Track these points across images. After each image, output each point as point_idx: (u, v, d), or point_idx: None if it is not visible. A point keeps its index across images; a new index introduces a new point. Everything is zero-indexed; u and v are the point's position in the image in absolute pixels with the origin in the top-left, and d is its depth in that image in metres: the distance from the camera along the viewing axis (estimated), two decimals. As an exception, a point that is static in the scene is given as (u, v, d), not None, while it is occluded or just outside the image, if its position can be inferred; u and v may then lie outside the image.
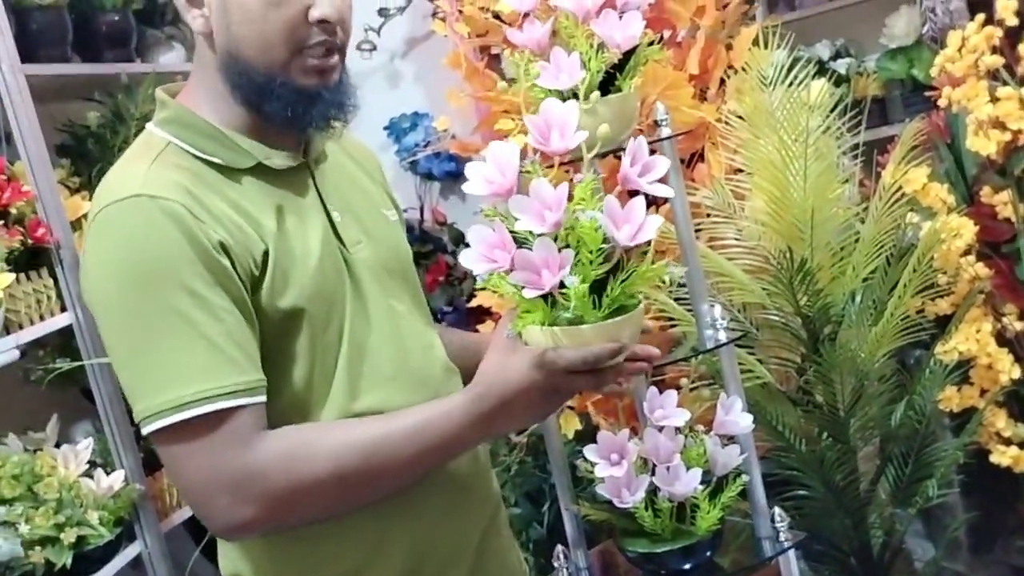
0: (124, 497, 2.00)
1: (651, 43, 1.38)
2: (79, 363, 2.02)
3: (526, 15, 1.37)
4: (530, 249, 1.03)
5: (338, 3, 1.13)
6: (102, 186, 1.10)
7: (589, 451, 1.37)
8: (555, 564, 1.51)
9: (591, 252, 1.05)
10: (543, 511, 2.45)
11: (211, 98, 1.15)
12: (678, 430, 1.40)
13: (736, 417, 1.44)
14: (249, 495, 1.00)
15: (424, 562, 1.19)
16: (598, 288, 1.06)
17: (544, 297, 1.05)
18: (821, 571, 2.07)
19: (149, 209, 1.02)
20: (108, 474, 2.01)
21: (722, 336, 1.49)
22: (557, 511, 2.38)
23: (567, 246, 1.05)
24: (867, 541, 2.02)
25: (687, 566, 1.38)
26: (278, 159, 1.16)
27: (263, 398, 1.04)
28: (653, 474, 1.37)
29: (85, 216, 2.15)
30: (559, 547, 1.53)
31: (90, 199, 2.17)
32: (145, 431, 1.01)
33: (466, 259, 1.05)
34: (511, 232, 1.05)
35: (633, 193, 1.10)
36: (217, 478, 1.00)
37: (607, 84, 1.39)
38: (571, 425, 2.32)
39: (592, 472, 1.36)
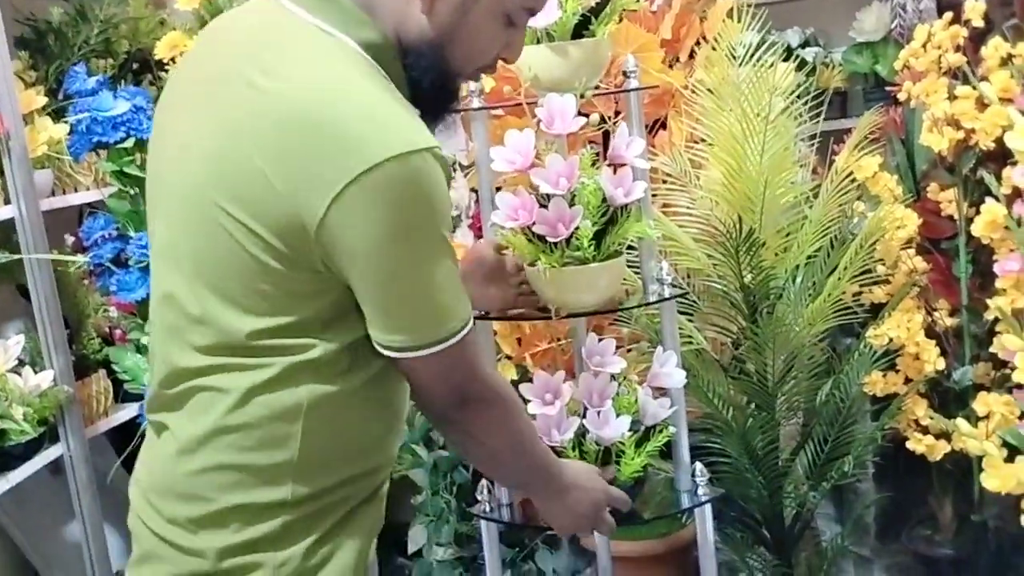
0: (51, 397, 1.98)
1: (627, -6, 1.40)
2: (17, 256, 1.99)
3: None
4: (547, 208, 1.37)
5: (522, 48, 1.17)
6: (369, 120, 0.98)
7: (525, 389, 1.40)
8: (478, 498, 1.54)
9: (594, 208, 1.38)
10: (470, 456, 2.48)
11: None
12: (613, 377, 1.44)
13: (670, 371, 1.48)
14: (488, 389, 1.13)
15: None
16: (597, 238, 1.38)
17: (556, 245, 1.37)
18: (734, 537, 2.13)
19: (438, 165, 1.00)
20: (36, 373, 1.98)
21: (666, 292, 1.52)
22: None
23: (574, 205, 1.37)
24: (780, 512, 2.08)
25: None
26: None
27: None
28: (584, 417, 1.41)
29: (38, 111, 2.11)
30: (483, 482, 1.56)
31: (46, 95, 2.15)
32: (437, 348, 1.05)
33: (497, 218, 1.40)
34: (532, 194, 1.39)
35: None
36: (475, 372, 1.10)
37: (581, 28, 1.41)
38: (508, 373, 2.34)
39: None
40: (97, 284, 2.18)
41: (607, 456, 1.43)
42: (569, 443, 1.41)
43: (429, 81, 1.09)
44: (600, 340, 1.47)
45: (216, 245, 1.00)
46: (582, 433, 1.42)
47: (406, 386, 1.13)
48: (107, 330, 2.25)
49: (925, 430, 2.12)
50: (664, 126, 2.27)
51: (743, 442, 1.99)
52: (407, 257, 1.00)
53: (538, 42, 1.38)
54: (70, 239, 2.22)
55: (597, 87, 1.50)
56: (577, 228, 1.36)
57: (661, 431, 1.46)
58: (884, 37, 2.82)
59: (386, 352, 1.04)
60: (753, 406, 2.00)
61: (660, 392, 1.49)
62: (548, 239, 1.38)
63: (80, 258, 2.11)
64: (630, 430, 1.42)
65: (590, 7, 1.37)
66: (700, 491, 1.48)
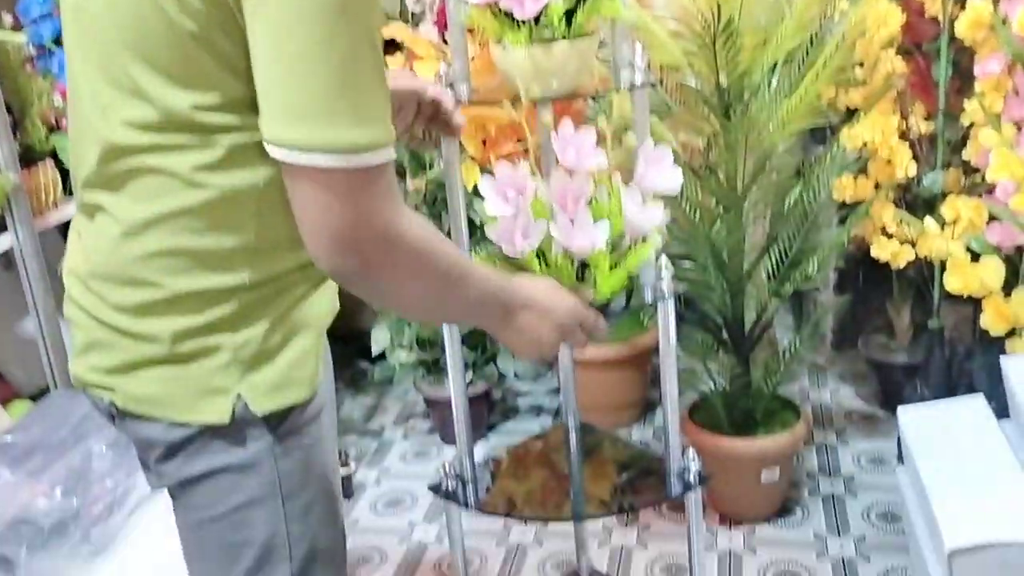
0: (-4, 187, 1.91)
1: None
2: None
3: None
4: None
5: None
6: None
7: (485, 183, 1.25)
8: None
9: None
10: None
11: None
12: (591, 179, 1.25)
13: (665, 170, 1.28)
14: (389, 243, 0.93)
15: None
16: (567, 17, 1.26)
17: (524, 22, 1.26)
18: (695, 340, 2.14)
19: None
20: (-21, 161, 1.90)
21: (639, 78, 1.45)
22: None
23: None
24: (740, 316, 2.09)
25: None
26: None
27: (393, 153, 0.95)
28: (553, 223, 1.23)
29: None
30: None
31: None
32: (339, 162, 0.87)
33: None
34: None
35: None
36: (372, 220, 0.91)
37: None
38: (472, 177, 2.29)
39: (491, 218, 1.24)
40: (39, 67, 2.05)
41: (580, 273, 1.25)
42: (533, 254, 1.22)
43: None
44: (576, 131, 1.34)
45: (139, 8, 0.89)
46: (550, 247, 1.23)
47: None
48: (53, 120, 2.15)
49: (890, 236, 2.11)
50: None
51: (709, 245, 1.97)
52: (333, 20, 0.85)
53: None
54: (8, 18, 2.08)
55: None
56: (547, 5, 1.27)
57: (642, 242, 1.25)
58: None
59: (274, 151, 0.89)
60: (721, 209, 1.97)
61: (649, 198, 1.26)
62: (515, 16, 1.28)
63: (18, 36, 1.98)
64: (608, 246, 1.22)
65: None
66: (664, 285, 1.46)
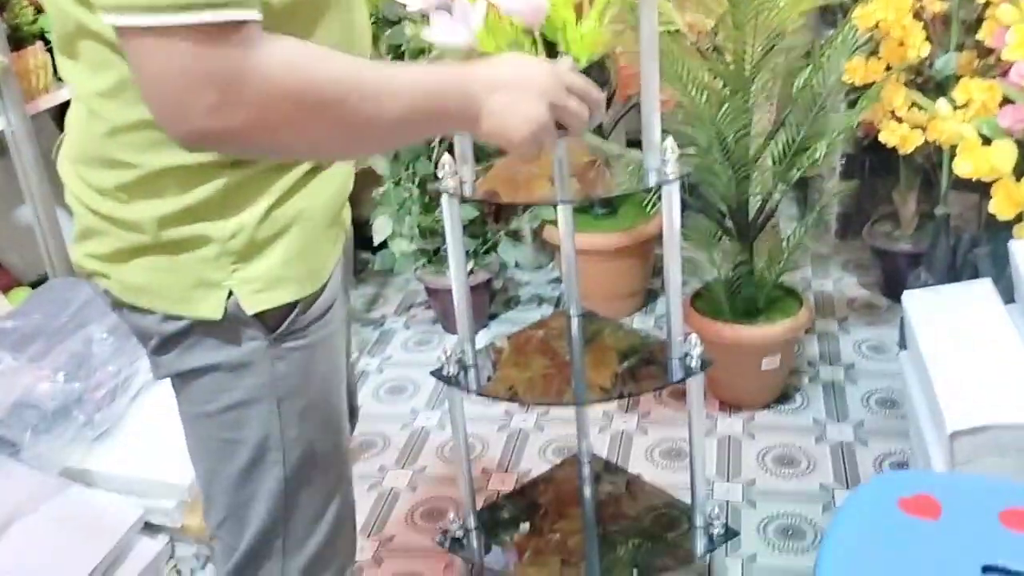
0: (-16, 69, 1.86)
1: None
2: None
3: None
4: None
5: None
6: None
7: None
8: (439, 174, 1.48)
9: None
10: (432, 146, 2.41)
11: None
12: None
13: None
14: (242, 94, 0.82)
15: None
16: None
17: None
18: (699, 228, 2.12)
19: None
20: (-35, 43, 1.84)
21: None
22: (446, 147, 2.35)
23: None
24: (745, 202, 2.06)
25: None
26: None
27: (257, 14, 0.83)
28: None
29: None
30: (445, 157, 1.49)
31: None
32: (141, 20, 0.79)
33: None
34: None
35: None
36: (208, 72, 0.81)
37: None
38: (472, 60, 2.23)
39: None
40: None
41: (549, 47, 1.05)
42: (486, 38, 1.03)
43: None
44: None
45: None
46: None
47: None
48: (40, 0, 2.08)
49: (900, 121, 2.06)
50: None
51: (714, 128, 1.93)
52: None
53: None
54: None
55: None
56: None
57: None
58: None
59: (107, 17, 0.80)
60: (728, 91, 1.92)
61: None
62: None
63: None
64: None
65: None
66: (669, 168, 1.43)
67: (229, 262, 0.97)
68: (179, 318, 0.99)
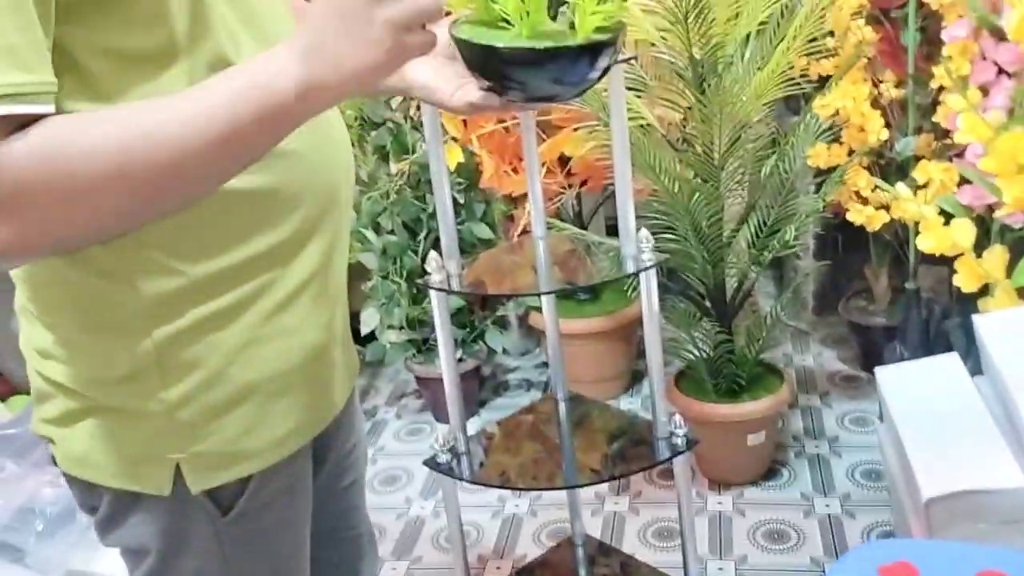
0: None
1: None
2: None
3: None
4: None
5: None
6: None
7: None
8: (428, 268, 1.54)
9: None
10: (418, 240, 2.49)
11: None
12: None
13: None
14: (6, 212, 0.71)
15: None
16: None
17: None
18: (678, 310, 2.19)
19: None
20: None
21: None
22: (432, 242, 2.43)
23: None
24: (722, 283, 2.14)
25: (526, 83, 0.93)
26: None
27: (49, 107, 0.73)
28: None
29: None
30: (432, 253, 1.56)
31: None
32: None
33: None
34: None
35: None
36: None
37: None
38: (454, 157, 2.33)
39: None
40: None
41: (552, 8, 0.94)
42: None
43: None
44: None
45: None
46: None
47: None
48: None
49: (865, 201, 2.16)
50: None
51: (689, 215, 2.01)
52: None
53: None
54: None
55: None
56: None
57: None
58: None
59: None
60: (699, 180, 2.01)
61: None
62: None
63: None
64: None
65: None
66: (645, 256, 1.50)
67: (175, 433, 0.90)
68: (123, 492, 0.92)
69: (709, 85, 1.89)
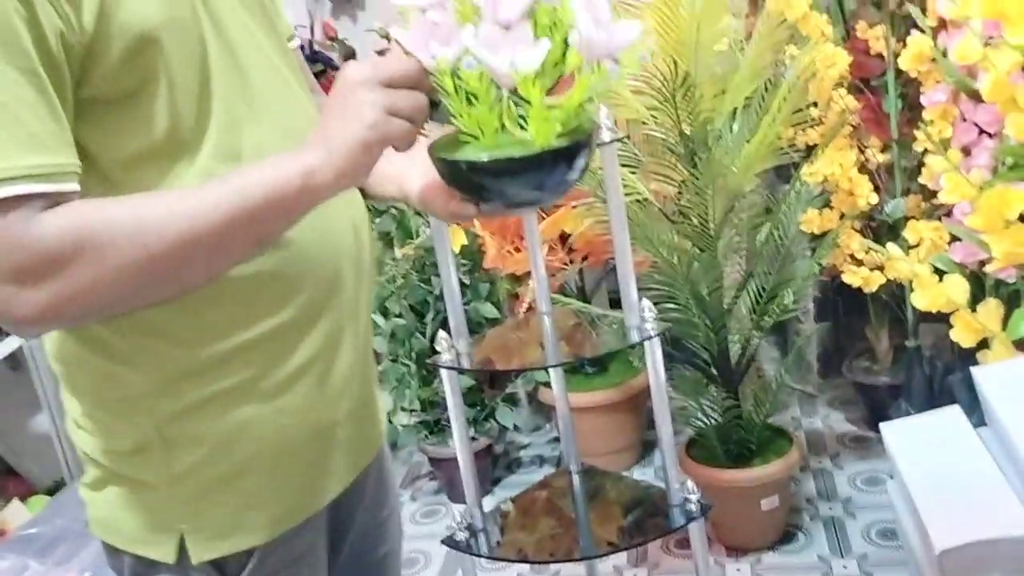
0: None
1: None
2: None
3: None
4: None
5: None
6: None
7: None
8: (437, 348, 1.58)
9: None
10: (425, 322, 2.54)
11: None
12: None
13: None
14: (37, 281, 0.79)
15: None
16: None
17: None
18: (684, 378, 2.22)
19: None
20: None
21: (607, 136, 1.55)
22: (439, 323, 2.47)
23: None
24: (726, 350, 2.17)
25: (505, 193, 0.91)
26: None
27: (72, 185, 0.81)
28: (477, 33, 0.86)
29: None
30: (441, 333, 1.60)
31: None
32: None
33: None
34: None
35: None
36: (23, 244, 0.78)
37: None
38: (457, 240, 2.39)
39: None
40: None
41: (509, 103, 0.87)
42: (447, 68, 0.85)
43: None
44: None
45: None
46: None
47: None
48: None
49: (860, 263, 2.21)
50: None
51: (689, 285, 2.07)
52: None
53: None
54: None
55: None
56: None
57: (598, 68, 0.86)
58: None
59: None
60: (697, 251, 2.07)
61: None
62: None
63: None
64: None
65: None
66: (648, 325, 1.54)
67: (179, 505, 0.95)
68: (141, 558, 0.98)
69: (700, 159, 1.96)
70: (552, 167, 0.88)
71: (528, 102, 0.85)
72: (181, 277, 0.85)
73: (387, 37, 2.80)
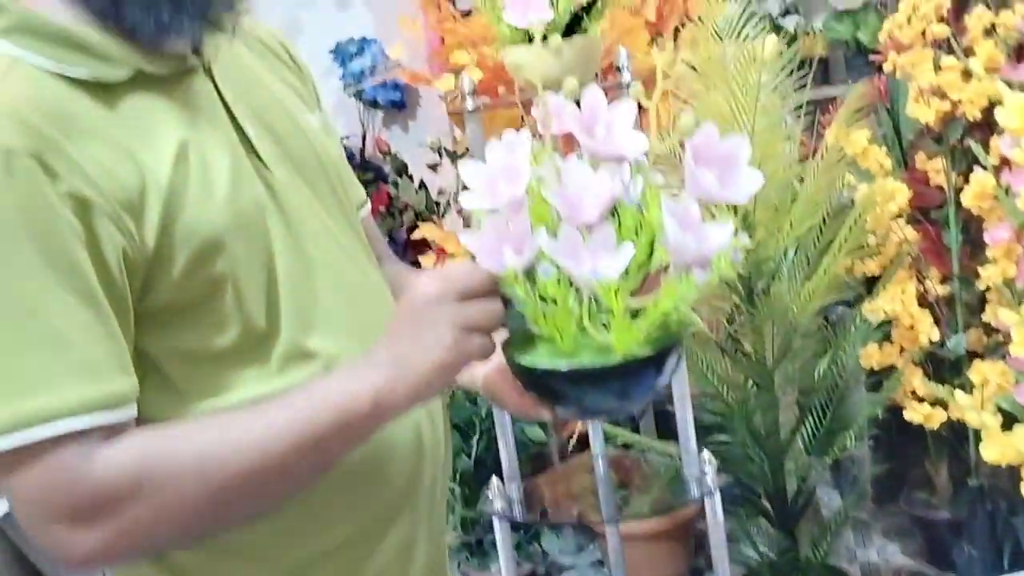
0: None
1: (620, -13, 1.39)
2: None
3: (494, -54, 1.37)
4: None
5: None
6: None
7: (468, 169, 0.84)
8: (489, 495, 1.55)
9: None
10: (472, 443, 2.50)
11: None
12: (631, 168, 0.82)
13: (736, 169, 0.80)
14: (93, 520, 0.77)
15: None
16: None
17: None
18: (737, 513, 2.15)
19: None
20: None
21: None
22: (485, 444, 2.44)
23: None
24: (782, 487, 2.11)
25: (585, 402, 0.85)
26: (161, 64, 0.87)
27: (129, 411, 0.80)
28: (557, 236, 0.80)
29: None
30: (493, 480, 1.57)
31: None
32: None
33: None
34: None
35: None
36: (51, 504, 0.76)
37: (571, 25, 1.40)
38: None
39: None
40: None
41: (587, 312, 0.80)
42: (518, 277, 0.80)
43: None
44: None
45: None
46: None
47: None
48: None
49: (921, 399, 2.15)
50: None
51: (744, 421, 2.01)
52: None
53: (529, 41, 1.37)
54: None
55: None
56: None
57: (686, 278, 0.78)
58: (864, 4, 2.82)
59: None
60: (753, 385, 2.02)
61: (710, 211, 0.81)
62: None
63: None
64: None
65: (582, 4, 1.36)
66: (709, 479, 1.50)
67: None
68: None
69: (757, 296, 1.93)
70: (637, 376, 0.82)
71: (608, 308, 0.79)
72: (243, 510, 0.83)
73: (439, 151, 2.83)
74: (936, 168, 2.18)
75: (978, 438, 1.81)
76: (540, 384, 0.84)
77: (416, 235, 2.38)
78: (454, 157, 2.74)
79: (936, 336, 2.09)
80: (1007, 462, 1.70)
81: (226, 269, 0.85)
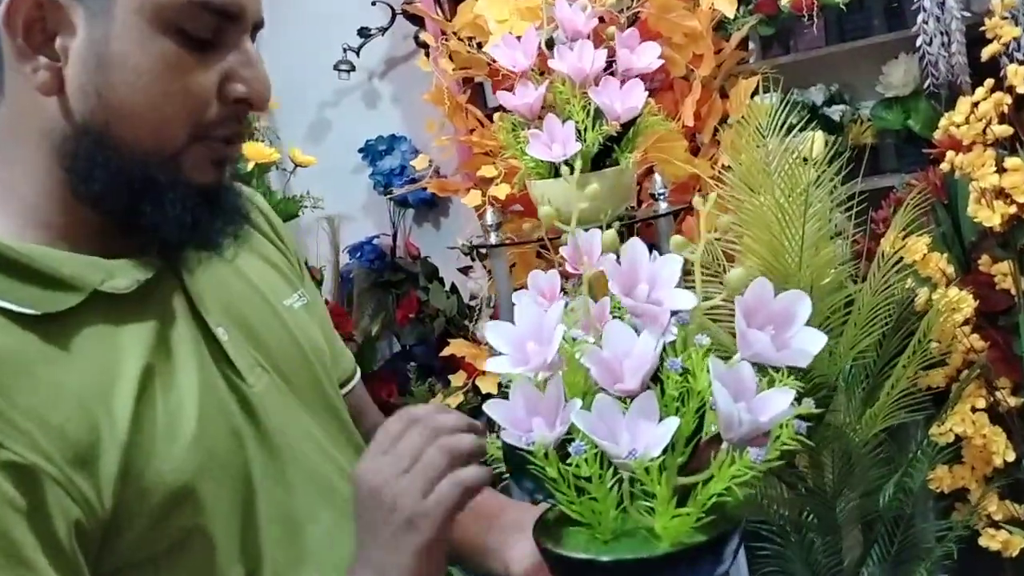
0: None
1: (653, 114, 1.28)
2: None
3: (519, 75, 1.27)
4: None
5: (265, 77, 0.81)
6: None
7: (493, 331, 0.76)
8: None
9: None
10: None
11: (17, 190, 0.79)
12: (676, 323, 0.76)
13: (797, 330, 0.74)
14: None
15: None
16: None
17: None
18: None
19: None
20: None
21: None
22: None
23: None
24: (849, 629, 1.93)
25: None
26: (123, 277, 0.80)
27: None
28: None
29: None
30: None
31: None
32: None
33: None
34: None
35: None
36: None
37: (602, 154, 1.29)
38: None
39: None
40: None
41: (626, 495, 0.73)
42: (547, 453, 0.71)
43: (112, 185, 0.78)
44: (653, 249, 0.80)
45: None
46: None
47: None
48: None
49: (996, 524, 1.96)
50: (690, 211, 2.15)
51: (804, 556, 1.84)
52: None
53: (555, 175, 1.26)
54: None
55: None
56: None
57: (739, 455, 0.69)
58: (914, 91, 2.68)
59: None
60: (813, 518, 1.85)
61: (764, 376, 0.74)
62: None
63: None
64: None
65: (612, 135, 1.25)
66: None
67: None
68: None
69: (813, 427, 1.77)
70: (691, 566, 0.71)
71: (653, 491, 0.70)
72: None
73: (469, 254, 2.73)
74: (1002, 271, 2.03)
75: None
76: (562, 573, 0.75)
77: (446, 352, 2.26)
78: (485, 259, 2.64)
79: (1011, 457, 1.92)
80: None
81: (196, 518, 0.75)
